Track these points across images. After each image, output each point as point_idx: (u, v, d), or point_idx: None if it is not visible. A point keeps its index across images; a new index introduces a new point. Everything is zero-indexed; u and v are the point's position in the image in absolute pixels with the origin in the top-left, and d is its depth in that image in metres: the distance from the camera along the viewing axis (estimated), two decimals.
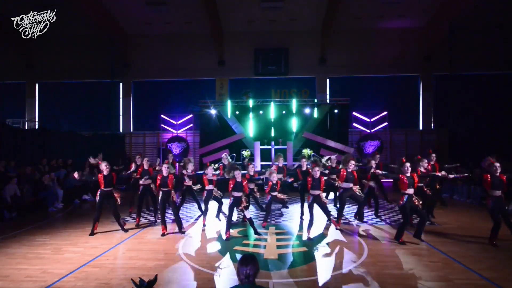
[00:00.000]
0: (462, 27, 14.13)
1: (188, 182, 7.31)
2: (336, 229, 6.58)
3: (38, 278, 4.21)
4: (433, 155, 7.46)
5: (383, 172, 6.33)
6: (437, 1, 13.63)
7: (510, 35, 14.52)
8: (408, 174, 5.56)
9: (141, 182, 7.17)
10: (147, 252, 5.23)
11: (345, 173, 6.59)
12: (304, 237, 5.98)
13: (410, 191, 5.52)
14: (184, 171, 7.30)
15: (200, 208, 7.64)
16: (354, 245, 5.56)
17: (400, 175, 5.57)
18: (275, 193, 6.80)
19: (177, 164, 9.26)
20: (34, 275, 4.30)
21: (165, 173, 6.20)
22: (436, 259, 4.83)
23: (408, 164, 5.57)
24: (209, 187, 7.01)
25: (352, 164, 6.63)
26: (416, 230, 5.69)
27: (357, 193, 6.68)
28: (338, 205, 8.38)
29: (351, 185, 6.60)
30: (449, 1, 13.38)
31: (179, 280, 4.16)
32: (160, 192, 6.25)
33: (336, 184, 7.02)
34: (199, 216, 7.67)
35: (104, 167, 6.27)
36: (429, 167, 7.05)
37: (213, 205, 7.51)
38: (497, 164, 5.43)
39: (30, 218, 7.79)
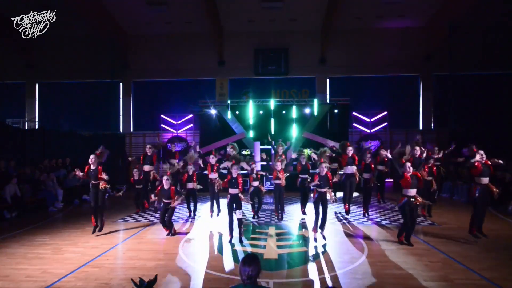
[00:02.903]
0: (462, 27, 14.11)
1: (192, 186, 7.43)
2: (346, 214, 7.05)
3: (38, 278, 4.21)
4: (436, 148, 8.18)
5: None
6: (437, 1, 13.61)
7: (510, 35, 14.51)
8: (410, 173, 5.39)
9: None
10: (147, 252, 5.23)
11: (346, 158, 6.96)
12: (310, 235, 5.90)
13: (411, 192, 5.37)
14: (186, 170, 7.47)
15: (189, 210, 7.68)
16: (354, 245, 5.56)
17: (404, 173, 5.40)
18: (279, 181, 6.79)
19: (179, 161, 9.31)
20: (34, 275, 4.30)
21: (166, 186, 6.07)
22: (436, 259, 4.83)
23: (408, 164, 5.50)
24: (212, 175, 7.00)
25: (350, 150, 7.00)
26: (399, 230, 5.77)
27: (356, 178, 7.00)
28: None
29: (352, 169, 6.89)
30: (449, 1, 13.36)
31: (179, 280, 4.16)
32: (162, 203, 6.17)
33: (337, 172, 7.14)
34: (193, 217, 7.71)
35: (91, 160, 6.21)
36: (432, 168, 7.63)
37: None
38: (481, 152, 5.52)
39: (30, 218, 7.79)
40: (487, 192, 5.52)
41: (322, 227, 5.85)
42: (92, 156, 6.22)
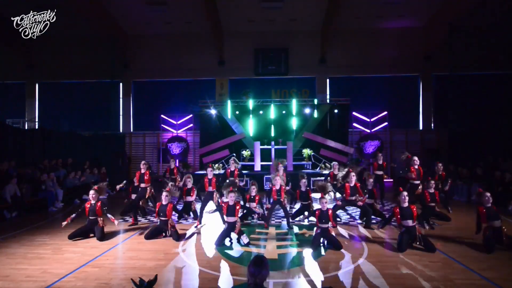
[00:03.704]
0: (462, 27, 14.12)
1: (190, 199, 7.41)
2: (332, 227, 6.66)
3: (38, 278, 4.21)
4: (440, 164, 7.99)
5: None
6: (437, 1, 13.62)
7: (510, 35, 14.51)
8: (406, 204, 5.39)
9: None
10: (147, 252, 5.23)
11: (349, 189, 6.75)
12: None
13: (408, 223, 5.32)
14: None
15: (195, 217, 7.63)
16: (354, 245, 5.56)
17: (395, 209, 5.44)
18: (278, 197, 6.66)
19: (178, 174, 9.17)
20: (34, 275, 4.29)
21: (164, 202, 5.96)
22: (436, 259, 4.83)
23: (405, 193, 5.47)
24: (209, 189, 6.97)
25: (353, 177, 6.76)
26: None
27: (360, 202, 6.77)
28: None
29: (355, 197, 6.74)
30: (449, 1, 13.38)
31: (179, 280, 4.16)
32: (159, 221, 6.10)
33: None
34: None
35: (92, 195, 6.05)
36: (436, 177, 7.79)
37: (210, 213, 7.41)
38: (488, 194, 5.41)
39: (30, 218, 7.79)
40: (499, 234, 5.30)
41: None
42: (92, 192, 6.06)
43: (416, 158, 7.16)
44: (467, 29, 14.41)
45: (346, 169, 7.34)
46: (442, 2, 13.57)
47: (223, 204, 5.91)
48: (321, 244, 5.46)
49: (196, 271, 4.45)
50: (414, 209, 5.43)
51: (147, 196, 7.32)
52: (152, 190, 7.37)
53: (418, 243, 5.31)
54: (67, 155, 11.91)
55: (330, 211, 5.55)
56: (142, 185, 7.18)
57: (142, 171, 7.22)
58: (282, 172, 7.90)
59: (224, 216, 5.82)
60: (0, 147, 9.69)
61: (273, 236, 6.16)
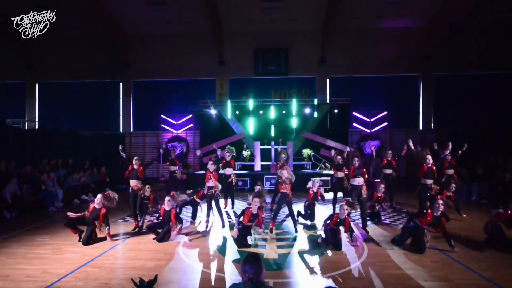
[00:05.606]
0: (462, 27, 14.12)
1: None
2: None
3: (38, 278, 4.21)
4: (447, 152, 8.28)
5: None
6: (437, 1, 13.62)
7: (510, 35, 14.52)
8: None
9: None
10: (147, 252, 5.23)
11: (353, 168, 6.67)
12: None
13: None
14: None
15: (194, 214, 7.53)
16: (354, 245, 5.55)
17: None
18: (286, 190, 6.37)
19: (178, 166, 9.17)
20: (34, 275, 4.30)
21: (167, 208, 5.94)
22: (436, 259, 4.83)
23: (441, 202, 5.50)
24: (210, 183, 6.83)
25: (357, 160, 6.70)
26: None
27: (364, 195, 6.58)
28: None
29: (359, 181, 6.55)
30: (449, 1, 13.38)
31: (179, 280, 4.16)
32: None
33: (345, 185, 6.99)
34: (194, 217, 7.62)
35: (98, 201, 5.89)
36: (446, 164, 8.22)
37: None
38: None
39: (30, 218, 7.79)
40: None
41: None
42: (99, 196, 5.89)
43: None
44: (467, 29, 14.42)
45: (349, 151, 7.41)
46: (442, 2, 13.56)
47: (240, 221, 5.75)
48: (325, 245, 5.47)
49: (196, 271, 4.45)
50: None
51: (140, 193, 7.08)
52: (140, 186, 7.08)
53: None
54: (67, 155, 11.90)
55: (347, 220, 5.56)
56: (132, 181, 7.00)
57: (135, 166, 6.99)
58: (283, 161, 7.73)
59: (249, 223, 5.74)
60: (0, 147, 9.68)
61: (273, 236, 6.16)
